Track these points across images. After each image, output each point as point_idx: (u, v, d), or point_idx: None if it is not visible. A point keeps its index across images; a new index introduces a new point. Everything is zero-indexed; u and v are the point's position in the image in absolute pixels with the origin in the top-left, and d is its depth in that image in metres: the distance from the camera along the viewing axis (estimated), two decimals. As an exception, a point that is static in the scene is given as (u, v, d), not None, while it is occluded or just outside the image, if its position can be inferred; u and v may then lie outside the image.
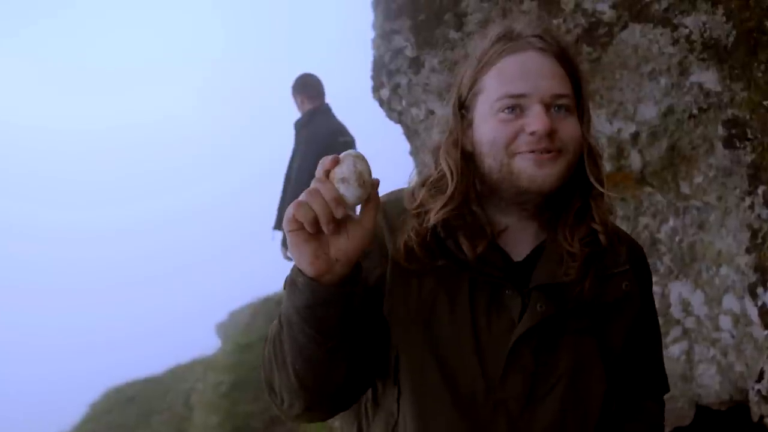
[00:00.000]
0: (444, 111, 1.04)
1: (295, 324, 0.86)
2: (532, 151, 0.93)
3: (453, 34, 2.50)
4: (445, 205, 0.96)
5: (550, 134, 0.93)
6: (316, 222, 0.80)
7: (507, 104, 0.94)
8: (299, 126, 4.02)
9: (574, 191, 0.99)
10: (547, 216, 1.00)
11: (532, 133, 0.93)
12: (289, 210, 0.81)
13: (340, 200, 0.80)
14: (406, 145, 3.18)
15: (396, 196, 1.03)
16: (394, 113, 3.04)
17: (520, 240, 1.01)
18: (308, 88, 4.06)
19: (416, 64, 2.70)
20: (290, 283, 0.85)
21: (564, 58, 0.98)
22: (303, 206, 0.80)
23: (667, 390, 1.13)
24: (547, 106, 0.94)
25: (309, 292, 0.83)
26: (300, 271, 0.83)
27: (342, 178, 0.81)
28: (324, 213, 0.80)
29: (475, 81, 0.99)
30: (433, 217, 0.95)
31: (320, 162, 0.84)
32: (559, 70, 0.96)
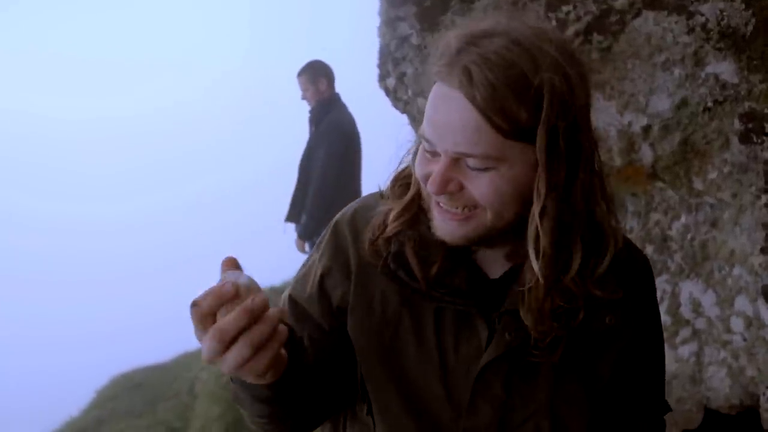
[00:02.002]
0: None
1: (241, 396, 0.86)
2: (439, 203, 0.84)
3: (460, 21, 2.42)
4: (400, 214, 0.89)
5: (450, 193, 0.81)
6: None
7: (425, 144, 0.83)
8: (318, 114, 3.94)
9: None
10: (511, 248, 0.89)
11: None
12: (244, 366, 0.70)
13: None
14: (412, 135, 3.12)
15: (366, 203, 0.97)
16: (400, 102, 2.97)
17: (493, 259, 0.92)
18: (326, 72, 3.98)
19: (422, 52, 2.63)
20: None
21: (494, 102, 0.76)
22: (261, 357, 0.70)
23: (668, 410, 1.04)
24: (456, 159, 0.81)
25: (248, 392, 0.83)
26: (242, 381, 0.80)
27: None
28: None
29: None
30: (390, 227, 0.88)
31: (215, 295, 0.70)
32: (474, 120, 0.77)
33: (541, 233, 0.81)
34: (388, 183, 0.94)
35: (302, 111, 4.11)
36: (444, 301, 0.87)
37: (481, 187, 0.80)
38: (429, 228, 0.88)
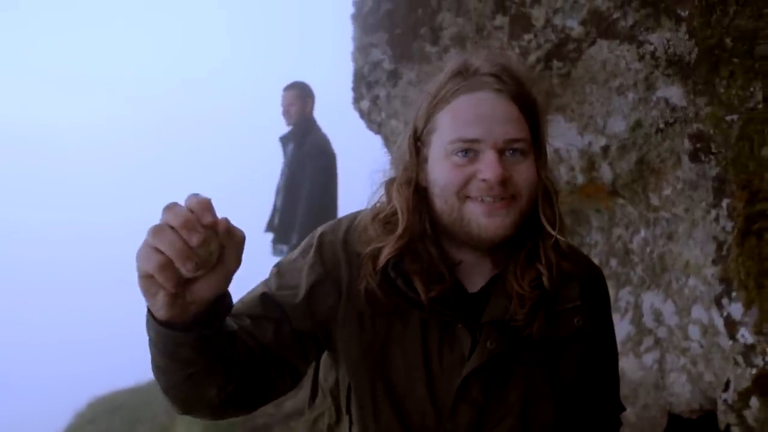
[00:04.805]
0: (400, 146, 1.02)
1: (154, 350, 0.82)
2: (483, 200, 0.93)
3: (429, 48, 2.54)
4: (394, 245, 0.95)
5: (503, 181, 0.92)
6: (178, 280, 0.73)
7: (460, 148, 0.93)
8: (301, 132, 3.98)
9: (528, 230, 0.98)
10: (500, 254, 1.00)
11: (484, 180, 0.92)
12: (148, 262, 0.70)
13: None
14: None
15: (357, 225, 1.02)
16: (374, 124, 3.08)
17: (475, 273, 1.01)
18: (312, 94, 4.07)
19: (394, 76, 2.74)
20: (146, 315, 0.79)
21: (521, 98, 0.96)
22: (167, 269, 0.70)
23: (623, 409, 1.15)
24: (501, 151, 0.93)
25: (156, 333, 0.78)
26: (151, 312, 0.77)
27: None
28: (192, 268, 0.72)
29: (429, 117, 0.98)
30: (382, 257, 0.95)
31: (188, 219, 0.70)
32: (515, 111, 0.94)
33: (551, 199, 0.99)
34: (368, 223, 1.00)
35: (274, 124, 4.15)
36: (435, 310, 0.95)
37: (523, 172, 0.95)
38: (430, 255, 0.97)
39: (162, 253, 0.69)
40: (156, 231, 0.70)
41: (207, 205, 0.71)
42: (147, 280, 0.72)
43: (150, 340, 0.81)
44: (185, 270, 0.70)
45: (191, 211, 0.70)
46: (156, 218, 0.73)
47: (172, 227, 0.69)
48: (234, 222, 0.76)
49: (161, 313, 0.75)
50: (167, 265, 0.70)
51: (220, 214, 0.73)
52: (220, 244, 0.73)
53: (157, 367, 0.84)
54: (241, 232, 0.75)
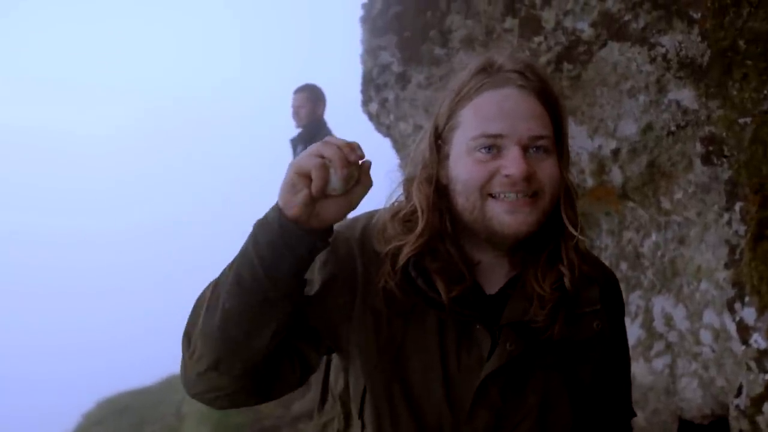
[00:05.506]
0: (420, 143, 1.01)
1: (246, 261, 0.86)
2: (506, 197, 0.92)
3: (438, 51, 2.54)
4: (415, 243, 0.95)
5: (527, 177, 0.91)
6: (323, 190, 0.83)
7: (483, 144, 0.92)
8: (311, 134, 3.97)
9: (548, 231, 0.97)
10: (520, 254, 0.99)
11: (508, 176, 0.91)
12: (310, 160, 0.82)
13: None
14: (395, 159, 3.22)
15: (373, 223, 1.01)
16: (383, 127, 3.08)
17: (493, 274, 1.00)
18: (324, 98, 4.07)
19: (403, 79, 2.74)
20: (260, 221, 0.87)
21: (545, 95, 0.95)
22: (323, 169, 0.82)
23: (634, 415, 1.14)
24: (525, 147, 0.92)
25: (278, 228, 0.84)
26: (280, 209, 0.84)
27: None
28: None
29: (452, 114, 0.96)
30: (403, 256, 0.94)
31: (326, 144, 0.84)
32: (539, 108, 0.94)
33: (572, 199, 0.98)
34: (388, 222, 0.99)
35: (287, 125, 4.15)
36: (454, 310, 0.93)
37: (546, 168, 0.93)
38: (450, 255, 0.96)
39: (324, 158, 0.82)
40: (324, 143, 0.83)
41: (358, 145, 0.84)
42: (298, 177, 0.82)
43: (251, 249, 0.86)
44: (339, 174, 0.82)
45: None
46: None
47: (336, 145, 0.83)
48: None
49: (293, 210, 0.83)
50: (325, 167, 0.82)
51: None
52: (357, 180, 0.85)
53: (237, 284, 0.86)
54: (372, 180, 0.88)
